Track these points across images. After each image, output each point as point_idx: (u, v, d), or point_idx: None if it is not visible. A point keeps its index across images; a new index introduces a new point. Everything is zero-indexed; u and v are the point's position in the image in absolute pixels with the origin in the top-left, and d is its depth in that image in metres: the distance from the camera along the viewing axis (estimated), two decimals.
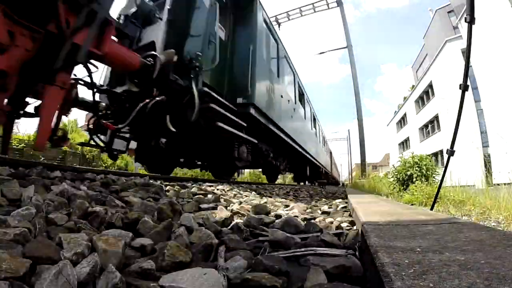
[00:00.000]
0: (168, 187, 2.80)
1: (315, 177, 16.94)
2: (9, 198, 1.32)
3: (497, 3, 14.59)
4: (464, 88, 1.95)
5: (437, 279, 0.53)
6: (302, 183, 15.98)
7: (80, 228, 1.03)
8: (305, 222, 1.74)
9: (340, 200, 4.07)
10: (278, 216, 1.90)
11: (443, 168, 2.19)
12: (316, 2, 24.07)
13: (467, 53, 1.90)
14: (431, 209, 2.06)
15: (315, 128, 14.93)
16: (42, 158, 15.96)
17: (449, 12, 24.97)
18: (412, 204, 3.00)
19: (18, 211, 1.00)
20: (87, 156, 20.27)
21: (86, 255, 0.73)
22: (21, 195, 1.34)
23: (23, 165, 2.44)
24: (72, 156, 18.81)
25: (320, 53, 25.27)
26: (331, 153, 26.45)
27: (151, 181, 2.88)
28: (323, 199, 4.58)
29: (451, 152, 1.98)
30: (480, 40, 14.03)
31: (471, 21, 1.88)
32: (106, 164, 21.68)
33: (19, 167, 2.33)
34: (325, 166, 20.13)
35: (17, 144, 17.87)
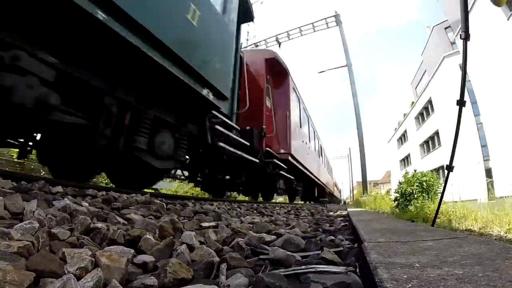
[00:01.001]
0: (169, 205, 2.80)
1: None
2: (11, 211, 1.33)
3: (493, 16, 14.98)
4: (461, 103, 1.98)
5: None
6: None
7: (83, 243, 1.04)
8: (305, 240, 1.74)
9: (341, 218, 4.04)
10: (279, 235, 1.89)
11: (443, 184, 2.20)
12: (315, 22, 24.76)
13: (463, 70, 1.95)
14: (432, 225, 2.05)
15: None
16: (43, 172, 15.90)
17: (446, 28, 25.53)
18: (413, 221, 2.98)
19: (21, 225, 1.01)
20: None
21: (89, 270, 0.74)
22: (24, 209, 1.35)
23: (26, 179, 2.46)
24: None
25: (320, 72, 25.72)
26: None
27: (152, 198, 2.88)
28: (324, 217, 4.55)
29: (450, 168, 2.00)
30: (478, 54, 14.31)
31: (466, 37, 1.93)
32: (106, 181, 21.56)
33: (22, 180, 2.34)
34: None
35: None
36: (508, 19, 14.42)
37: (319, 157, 17.10)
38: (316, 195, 18.00)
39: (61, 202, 1.62)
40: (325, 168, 20.66)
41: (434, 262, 0.77)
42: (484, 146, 17.08)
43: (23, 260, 0.77)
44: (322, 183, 17.88)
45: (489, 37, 14.57)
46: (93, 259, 0.79)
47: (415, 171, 5.41)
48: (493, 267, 0.68)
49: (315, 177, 14.21)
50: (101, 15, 2.46)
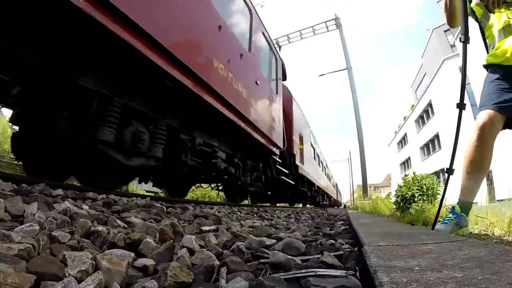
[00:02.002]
0: (169, 209, 2.80)
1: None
2: (12, 213, 1.33)
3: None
4: (461, 106, 1.99)
5: None
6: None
7: (83, 246, 1.04)
8: (306, 244, 1.74)
9: (341, 222, 4.04)
10: (279, 239, 1.89)
11: (444, 187, 2.20)
12: (315, 25, 24.89)
13: (462, 72, 1.95)
14: (432, 228, 2.05)
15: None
16: None
17: (445, 31, 25.66)
18: (413, 224, 2.97)
19: (22, 227, 1.02)
20: None
21: (90, 273, 0.75)
22: (24, 212, 1.36)
23: (26, 182, 2.46)
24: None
25: (320, 75, 25.81)
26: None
27: (152, 202, 2.88)
28: (325, 221, 4.54)
29: (450, 171, 2.00)
30: (478, 56, 14.32)
31: (465, 40, 1.94)
32: None
33: (22, 183, 2.35)
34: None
35: (18, 161, 17.80)
36: None
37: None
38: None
39: (61, 205, 1.63)
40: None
41: (434, 265, 0.77)
42: None
43: (24, 262, 0.77)
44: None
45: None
46: (94, 262, 0.80)
47: (414, 174, 5.42)
48: (492, 270, 0.68)
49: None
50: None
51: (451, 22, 2.44)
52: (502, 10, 2.09)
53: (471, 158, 2.05)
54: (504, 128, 2.11)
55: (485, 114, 2.05)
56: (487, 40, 2.41)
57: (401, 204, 4.97)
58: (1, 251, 0.79)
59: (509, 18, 2.10)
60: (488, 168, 2.15)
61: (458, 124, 2.00)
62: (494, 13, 2.14)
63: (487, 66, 2.30)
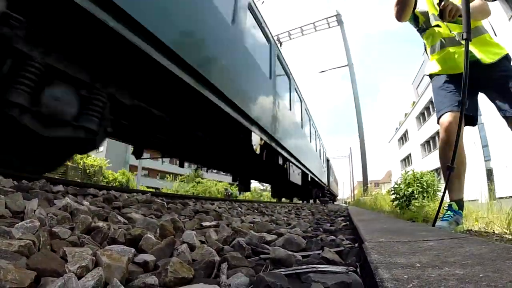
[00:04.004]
0: (170, 205, 2.80)
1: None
2: (12, 210, 1.33)
3: (494, 16, 14.89)
4: (462, 104, 1.97)
5: None
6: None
7: (83, 242, 1.04)
8: (306, 240, 1.74)
9: (342, 218, 4.04)
10: (279, 234, 1.89)
11: (444, 184, 2.20)
12: (317, 21, 24.74)
13: (465, 70, 1.93)
14: (433, 225, 2.04)
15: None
16: None
17: None
18: (413, 221, 2.98)
19: (22, 224, 1.02)
20: (88, 171, 20.31)
21: (90, 269, 0.74)
22: (25, 208, 1.36)
23: (26, 178, 2.46)
24: (73, 170, 18.84)
25: (322, 71, 25.72)
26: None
27: (153, 198, 2.89)
28: (325, 217, 4.55)
29: (451, 168, 1.99)
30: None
31: (468, 38, 1.92)
32: (107, 180, 21.66)
33: (22, 179, 2.35)
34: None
35: None
36: (509, 19, 14.37)
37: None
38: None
39: (62, 201, 1.63)
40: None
41: (435, 262, 0.77)
42: (485, 146, 17.05)
43: (24, 259, 0.77)
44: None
45: (491, 36, 14.50)
46: (94, 258, 0.79)
47: (413, 171, 5.40)
48: (493, 267, 0.68)
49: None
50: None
51: (400, 15, 2.40)
52: (450, 22, 2.23)
53: (446, 159, 2.15)
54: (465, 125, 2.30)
55: (447, 116, 2.24)
56: (427, 48, 2.57)
57: (401, 201, 4.97)
58: (2, 247, 0.79)
59: (451, 32, 2.28)
60: (465, 163, 2.29)
61: (459, 122, 1.99)
62: (445, 22, 2.24)
63: (430, 75, 2.53)
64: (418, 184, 4.91)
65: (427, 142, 27.10)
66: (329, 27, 24.45)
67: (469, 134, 16.86)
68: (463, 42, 2.05)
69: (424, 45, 2.64)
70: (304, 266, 1.13)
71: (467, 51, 1.91)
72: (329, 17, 24.08)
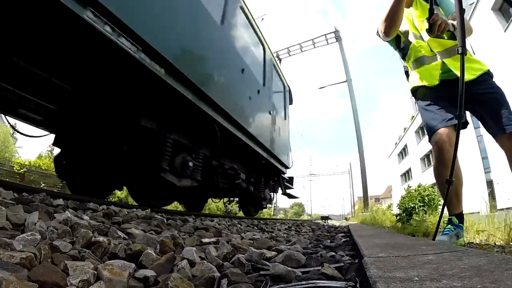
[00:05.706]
0: (169, 221, 2.79)
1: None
2: (13, 222, 1.34)
3: (490, 28, 15.20)
4: (459, 117, 2.00)
5: None
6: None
7: (84, 256, 1.04)
8: (306, 256, 1.73)
9: (342, 234, 4.01)
10: (279, 251, 1.88)
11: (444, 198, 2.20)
12: (315, 38, 25.25)
13: (460, 84, 1.96)
14: (433, 239, 2.04)
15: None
16: (43, 184, 15.88)
17: None
18: (413, 235, 2.95)
19: (23, 236, 1.02)
20: None
21: (92, 283, 0.75)
22: (25, 221, 1.36)
23: (27, 191, 2.47)
24: None
25: (321, 87, 26.03)
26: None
27: (153, 214, 2.88)
28: (326, 233, 4.51)
29: (450, 182, 2.00)
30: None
31: (463, 52, 1.96)
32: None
33: (23, 192, 2.35)
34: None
35: (18, 169, 17.93)
36: (505, 31, 14.69)
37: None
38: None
39: (62, 215, 1.63)
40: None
41: (433, 275, 0.77)
42: (485, 158, 17.04)
43: (26, 271, 0.78)
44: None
45: (487, 49, 14.78)
46: (95, 272, 0.80)
47: (419, 186, 5.40)
48: (491, 278, 0.69)
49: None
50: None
51: (388, 32, 2.38)
52: (436, 37, 2.27)
53: (442, 176, 2.15)
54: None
55: (439, 134, 2.26)
56: (406, 66, 2.66)
57: (403, 215, 4.94)
58: (3, 259, 0.79)
59: (432, 51, 2.34)
60: (461, 179, 2.28)
61: (457, 135, 2.02)
62: (433, 36, 2.28)
63: (413, 92, 2.59)
64: (419, 199, 4.90)
65: (427, 156, 27.11)
66: (328, 44, 24.94)
67: (468, 147, 16.91)
68: (449, 58, 2.11)
69: (405, 68, 2.69)
70: (303, 282, 1.12)
71: (462, 65, 1.95)
72: (328, 34, 24.61)
